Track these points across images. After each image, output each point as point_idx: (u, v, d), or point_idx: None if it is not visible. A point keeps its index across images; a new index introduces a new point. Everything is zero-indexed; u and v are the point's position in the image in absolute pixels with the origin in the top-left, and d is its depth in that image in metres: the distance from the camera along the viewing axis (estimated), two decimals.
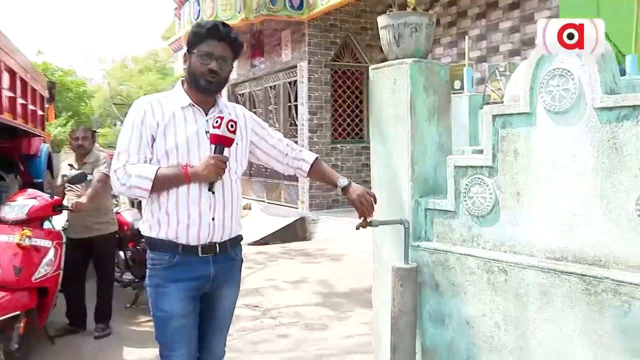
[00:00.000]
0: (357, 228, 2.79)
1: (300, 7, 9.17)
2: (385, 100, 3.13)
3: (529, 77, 2.54)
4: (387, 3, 9.48)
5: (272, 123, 10.91)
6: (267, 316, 5.26)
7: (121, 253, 5.69)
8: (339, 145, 9.78)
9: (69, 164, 4.93)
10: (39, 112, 8.29)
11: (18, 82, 6.60)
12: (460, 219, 2.86)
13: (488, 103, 7.03)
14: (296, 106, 9.98)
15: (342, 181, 2.59)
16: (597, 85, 2.31)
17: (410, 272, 2.90)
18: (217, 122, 2.26)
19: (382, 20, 3.12)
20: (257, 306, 5.57)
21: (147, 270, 2.44)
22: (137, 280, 5.36)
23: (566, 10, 6.24)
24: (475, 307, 2.76)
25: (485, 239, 2.76)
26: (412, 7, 3.14)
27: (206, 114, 2.40)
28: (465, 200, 2.81)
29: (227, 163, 2.32)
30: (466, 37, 7.07)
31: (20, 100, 6.75)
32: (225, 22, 2.45)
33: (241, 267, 2.62)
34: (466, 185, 2.81)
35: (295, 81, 9.95)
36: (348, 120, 10.01)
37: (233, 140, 2.31)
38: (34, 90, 7.85)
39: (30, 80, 7.56)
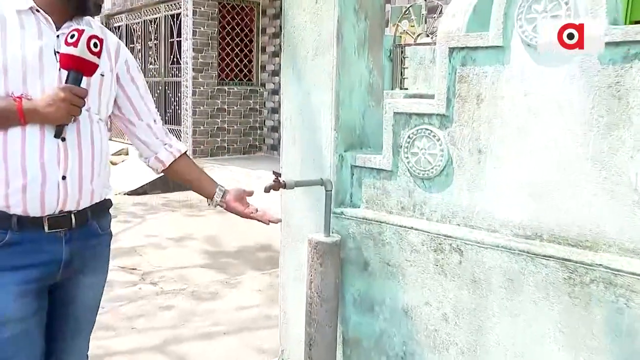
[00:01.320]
0: (267, 191, 2.13)
1: None
2: (303, 25, 2.41)
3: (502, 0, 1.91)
4: None
5: (152, 61, 9.80)
6: (146, 281, 4.56)
7: None
8: (225, 88, 8.96)
9: None
10: None
11: None
12: (399, 181, 2.24)
13: (400, 45, 6.56)
14: (179, 42, 8.99)
15: (220, 191, 1.99)
16: (602, 11, 1.73)
17: (332, 247, 2.27)
18: (72, 36, 1.56)
19: None
20: (134, 269, 4.86)
21: None
22: None
23: None
24: (416, 293, 2.18)
25: (432, 208, 2.16)
26: None
27: (57, 28, 1.65)
28: (407, 157, 2.19)
29: (87, 99, 1.64)
30: None
31: None
32: None
33: (109, 243, 1.93)
34: (409, 138, 2.18)
35: (179, 14, 8.91)
36: (236, 60, 9.18)
37: (96, 66, 1.63)
38: None
39: None
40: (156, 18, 9.70)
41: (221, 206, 1.96)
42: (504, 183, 1.97)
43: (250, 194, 1.99)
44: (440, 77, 2.06)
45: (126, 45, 8.52)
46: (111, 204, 1.90)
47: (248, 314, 3.87)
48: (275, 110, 9.08)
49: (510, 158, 1.95)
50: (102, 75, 1.73)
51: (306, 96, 2.40)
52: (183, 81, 8.81)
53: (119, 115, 1.91)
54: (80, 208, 1.71)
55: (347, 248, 2.35)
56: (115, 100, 1.86)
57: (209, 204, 1.99)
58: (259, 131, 9.39)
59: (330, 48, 2.30)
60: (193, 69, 8.62)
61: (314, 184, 2.29)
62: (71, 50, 1.54)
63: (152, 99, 1.98)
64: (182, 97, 8.72)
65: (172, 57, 9.47)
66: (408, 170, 2.20)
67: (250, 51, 9.34)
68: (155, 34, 9.78)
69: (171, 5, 9.18)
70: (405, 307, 2.21)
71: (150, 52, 9.90)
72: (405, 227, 2.18)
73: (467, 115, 2.03)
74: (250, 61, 9.36)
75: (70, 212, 1.68)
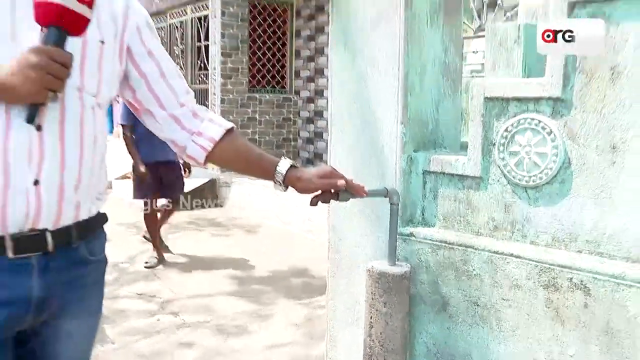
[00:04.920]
0: (314, 203, 1.54)
1: None
2: None
3: None
4: None
5: (179, 67, 9.48)
6: (165, 311, 4.07)
7: None
8: (257, 95, 8.54)
9: None
10: None
11: None
12: (491, 191, 1.66)
13: None
14: (207, 47, 8.63)
15: (283, 164, 1.41)
16: None
17: (400, 280, 1.70)
18: None
19: None
20: (152, 296, 4.36)
21: None
22: None
23: None
24: (517, 346, 1.59)
25: (540, 228, 1.59)
26: None
27: None
28: (503, 159, 1.61)
29: (72, 69, 1.15)
30: None
31: None
32: None
33: (104, 272, 1.42)
34: (506, 131, 1.60)
35: (206, 16, 8.58)
36: (268, 65, 8.78)
37: (86, 20, 1.15)
38: None
39: None
40: (182, 21, 9.46)
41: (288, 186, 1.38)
42: None
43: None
44: None
45: None
46: (106, 220, 1.37)
47: (282, 354, 3.34)
48: (311, 120, 8.64)
49: None
50: (102, 42, 1.22)
51: (362, 80, 1.84)
52: (211, 88, 8.47)
53: (132, 102, 1.38)
54: (60, 225, 1.21)
55: (418, 282, 1.78)
56: (127, 82, 1.33)
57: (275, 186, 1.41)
58: (292, 143, 8.96)
59: (396, 15, 1.75)
60: (222, 75, 8.25)
61: (375, 195, 1.72)
62: None
63: (178, 71, 1.45)
64: (210, 105, 8.34)
65: (199, 62, 9.14)
66: (504, 176, 1.62)
67: (284, 55, 8.94)
68: (182, 38, 9.50)
69: (198, 6, 8.90)
70: None
71: (177, 58, 9.58)
72: (501, 253, 1.61)
73: (595, 97, 1.45)
74: (283, 66, 8.95)
75: (45, 230, 1.19)
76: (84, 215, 1.27)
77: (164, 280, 4.70)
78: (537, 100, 1.55)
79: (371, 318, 1.72)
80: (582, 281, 1.45)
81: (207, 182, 8.04)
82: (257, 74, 8.67)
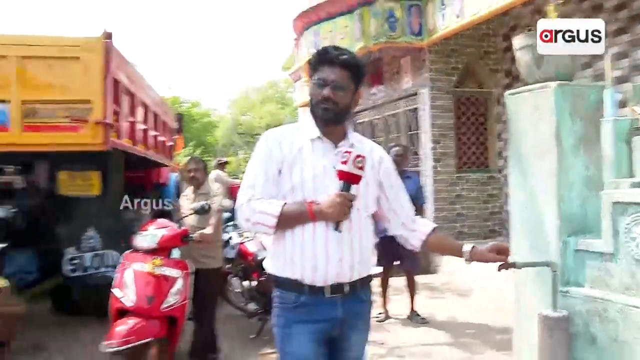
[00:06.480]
0: (499, 270, 2.52)
1: (420, 32, 8.92)
2: (524, 130, 2.84)
3: None
4: (510, 25, 9.05)
5: None
6: (394, 355, 4.96)
7: (245, 283, 5.74)
8: (463, 175, 9.33)
9: (184, 195, 5.08)
10: (168, 143, 8.67)
11: (150, 116, 6.99)
12: (621, 264, 2.49)
13: (638, 128, 6.34)
14: (417, 134, 9.68)
15: (466, 246, 2.35)
16: None
17: (560, 322, 2.57)
18: (344, 157, 2.13)
19: (520, 41, 2.85)
20: (382, 343, 5.28)
21: (273, 309, 2.33)
22: (261, 311, 5.31)
23: None
24: None
25: None
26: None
27: (336, 146, 2.27)
28: (627, 242, 2.44)
29: (356, 202, 2.17)
30: (608, 53, 6.47)
31: (152, 133, 7.10)
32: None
33: (371, 309, 2.45)
34: (627, 225, 2.44)
35: (416, 109, 9.68)
36: (473, 148, 9.54)
37: (360, 177, 2.16)
38: (164, 123, 8.25)
39: (161, 114, 7.96)
40: (396, 113, 10.53)
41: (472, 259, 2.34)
42: None
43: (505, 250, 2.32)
44: None
45: (370, 138, 9.36)
46: (371, 279, 2.41)
47: None
48: None
49: None
50: (367, 183, 2.29)
51: (530, 192, 2.80)
52: (423, 170, 9.32)
53: (378, 212, 2.48)
54: (351, 280, 2.27)
55: (574, 323, 2.62)
56: (378, 201, 2.45)
57: (465, 260, 2.37)
58: (497, 216, 9.49)
59: (550, 150, 2.69)
60: (433, 158, 9.14)
61: (542, 265, 2.64)
62: (343, 167, 2.12)
63: (407, 196, 2.50)
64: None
65: (413, 148, 10.13)
66: (629, 253, 2.44)
67: (486, 139, 9.63)
68: (396, 127, 10.63)
69: (409, 101, 9.96)
70: None
71: (392, 145, 10.67)
72: (631, 305, 2.40)
73: None
74: (486, 149, 9.63)
75: (344, 283, 2.25)
76: (363, 275, 2.33)
77: (391, 332, 5.71)
78: None
79: (541, 346, 2.59)
80: None
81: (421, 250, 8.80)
82: (462, 156, 9.46)
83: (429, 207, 9.03)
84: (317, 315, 2.24)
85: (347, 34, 9.35)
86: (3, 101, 4.73)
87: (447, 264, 8.45)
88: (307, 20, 10.38)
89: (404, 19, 8.78)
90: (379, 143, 9.45)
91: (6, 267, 6.03)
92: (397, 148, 6.19)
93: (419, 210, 4.63)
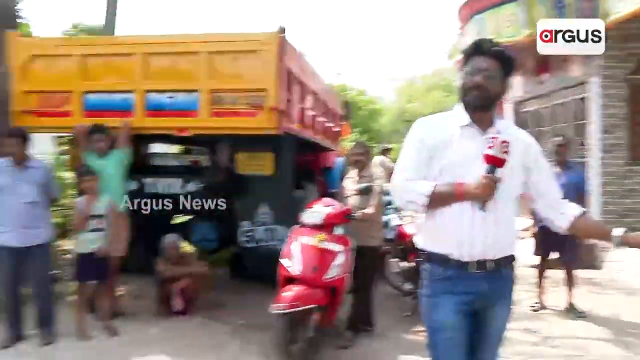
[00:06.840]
0: None
1: (593, 17, 8.51)
2: None
3: None
4: None
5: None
6: (547, 344, 4.96)
7: (403, 264, 6.09)
8: (636, 168, 8.71)
9: (348, 177, 5.41)
10: (335, 129, 9.12)
11: (318, 103, 7.41)
12: None
13: None
14: (585, 125, 9.22)
15: (617, 230, 2.40)
16: None
17: None
18: (491, 142, 2.30)
19: None
20: (536, 332, 5.28)
21: (422, 280, 2.54)
22: (416, 290, 5.54)
23: None
24: None
25: None
26: None
27: (484, 133, 2.43)
28: None
29: (500, 184, 2.32)
30: None
31: (320, 119, 7.54)
32: (509, 38, 2.45)
33: (512, 288, 2.58)
34: None
35: (584, 98, 9.22)
36: None
37: (505, 161, 2.31)
38: (331, 110, 8.67)
39: (328, 101, 8.38)
40: (563, 102, 10.12)
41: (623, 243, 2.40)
42: None
43: None
44: None
45: (534, 128, 9.12)
46: (514, 259, 2.53)
47: None
48: None
49: None
50: (512, 167, 2.41)
51: None
52: (589, 162, 8.92)
53: (528, 194, 2.58)
54: (495, 258, 2.43)
55: None
56: (526, 184, 2.54)
57: (614, 245, 2.44)
58: None
59: None
60: (602, 150, 8.70)
61: None
62: (490, 152, 2.30)
63: (553, 177, 2.59)
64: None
65: (580, 138, 9.68)
66: None
67: None
68: (563, 117, 10.19)
69: (577, 89, 9.50)
70: None
71: (558, 135, 10.23)
72: None
73: None
74: None
75: (487, 260, 2.42)
76: (506, 254, 2.48)
77: (545, 322, 5.58)
78: None
79: None
80: None
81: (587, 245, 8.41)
82: (636, 148, 8.86)
83: (595, 200, 8.63)
84: (462, 288, 2.43)
85: (513, 22, 9.15)
86: (195, 90, 5.36)
87: (615, 260, 8.00)
88: (473, 8, 10.33)
89: (575, 3, 8.39)
90: (543, 133, 9.27)
91: (192, 236, 6.88)
92: (558, 138, 6.13)
93: (579, 200, 4.54)
